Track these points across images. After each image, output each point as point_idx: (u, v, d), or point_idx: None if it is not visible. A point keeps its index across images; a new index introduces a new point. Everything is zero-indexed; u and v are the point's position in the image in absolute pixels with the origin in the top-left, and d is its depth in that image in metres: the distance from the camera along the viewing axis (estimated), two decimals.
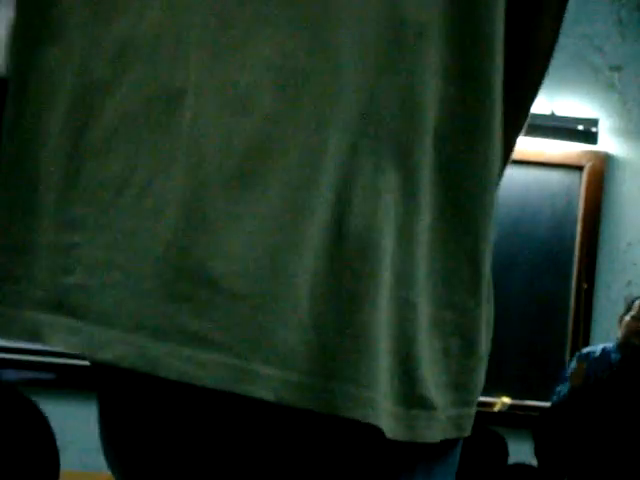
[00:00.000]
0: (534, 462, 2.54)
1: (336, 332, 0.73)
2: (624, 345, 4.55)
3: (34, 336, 0.79)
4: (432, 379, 0.81)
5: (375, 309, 0.75)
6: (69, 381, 4.66)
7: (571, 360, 4.74)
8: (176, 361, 0.72)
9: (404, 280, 0.77)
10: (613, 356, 4.56)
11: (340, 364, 0.73)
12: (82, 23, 0.78)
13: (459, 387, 0.84)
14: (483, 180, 0.83)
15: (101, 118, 0.76)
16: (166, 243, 0.74)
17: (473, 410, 0.85)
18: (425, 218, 0.79)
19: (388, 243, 0.76)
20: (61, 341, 0.77)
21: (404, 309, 0.78)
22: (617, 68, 5.05)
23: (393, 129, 0.76)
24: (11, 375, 4.73)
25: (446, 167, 0.79)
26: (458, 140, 0.80)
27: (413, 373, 0.79)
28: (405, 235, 0.77)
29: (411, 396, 0.79)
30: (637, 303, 4.56)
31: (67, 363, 4.63)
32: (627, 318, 4.56)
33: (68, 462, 4.41)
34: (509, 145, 1.01)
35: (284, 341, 0.72)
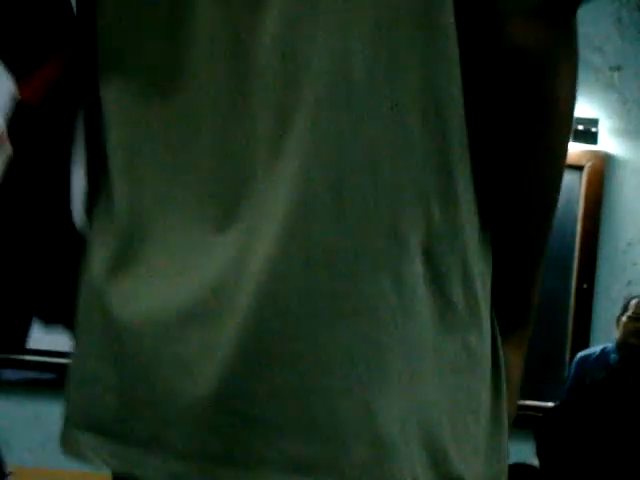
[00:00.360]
0: (534, 462, 2.53)
1: (362, 444, 0.84)
2: (622, 345, 4.54)
3: (80, 457, 0.97)
4: (460, 454, 0.91)
5: (396, 418, 0.86)
6: None
7: (571, 362, 4.74)
8: None
9: (418, 379, 0.88)
10: (612, 357, 4.55)
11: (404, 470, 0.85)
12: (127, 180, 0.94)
13: (485, 451, 0.95)
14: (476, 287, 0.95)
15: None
16: (217, 383, 0.85)
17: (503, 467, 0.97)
18: (424, 324, 0.89)
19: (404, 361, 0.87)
20: (106, 464, 0.92)
21: (425, 409, 0.88)
22: (617, 68, 5.06)
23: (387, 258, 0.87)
24: (11, 375, 4.73)
25: (437, 281, 0.90)
26: (445, 255, 0.90)
27: (442, 457, 0.89)
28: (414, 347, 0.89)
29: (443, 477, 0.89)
30: (633, 303, 4.56)
31: (67, 363, 4.62)
32: (624, 319, 4.55)
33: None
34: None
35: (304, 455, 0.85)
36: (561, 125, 0.97)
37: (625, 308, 4.59)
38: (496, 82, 0.93)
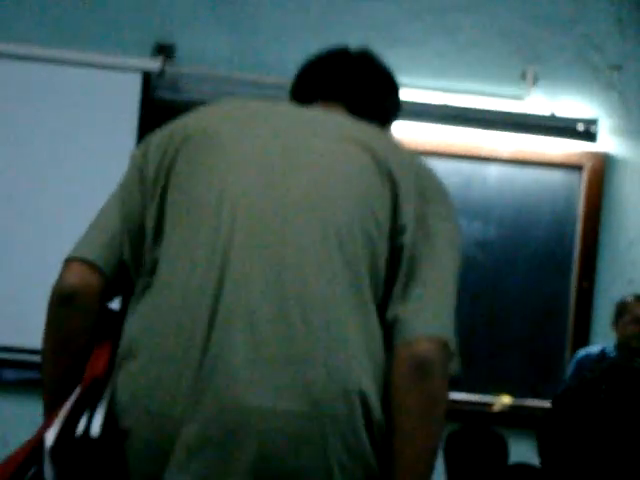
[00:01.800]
0: (534, 462, 2.53)
1: None
2: (623, 347, 4.51)
3: None
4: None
5: None
6: None
7: (570, 362, 4.73)
8: None
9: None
10: (611, 357, 4.53)
11: None
12: None
13: None
14: None
15: None
16: None
17: None
18: None
19: None
20: None
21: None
22: (617, 67, 5.05)
23: None
24: (11, 375, 4.72)
25: None
26: None
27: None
28: None
29: None
30: (632, 305, 4.50)
31: None
32: (624, 321, 4.50)
33: None
34: None
35: None
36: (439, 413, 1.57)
37: (622, 310, 4.54)
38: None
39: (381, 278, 1.60)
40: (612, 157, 5.04)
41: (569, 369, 4.67)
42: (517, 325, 4.99)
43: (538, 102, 4.97)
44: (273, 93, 4.84)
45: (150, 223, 1.67)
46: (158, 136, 1.73)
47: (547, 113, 4.96)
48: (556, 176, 5.02)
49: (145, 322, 1.59)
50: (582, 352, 4.65)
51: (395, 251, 1.60)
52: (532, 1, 5.00)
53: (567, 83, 5.03)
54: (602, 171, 5.00)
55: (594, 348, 4.66)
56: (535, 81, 4.99)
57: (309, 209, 1.59)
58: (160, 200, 1.67)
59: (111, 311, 1.72)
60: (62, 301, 1.65)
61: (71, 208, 4.63)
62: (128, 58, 4.75)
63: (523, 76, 4.98)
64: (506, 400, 4.90)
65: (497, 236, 4.98)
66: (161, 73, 4.75)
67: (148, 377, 1.54)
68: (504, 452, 3.08)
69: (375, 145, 1.67)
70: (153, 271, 1.64)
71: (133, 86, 4.71)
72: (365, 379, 1.52)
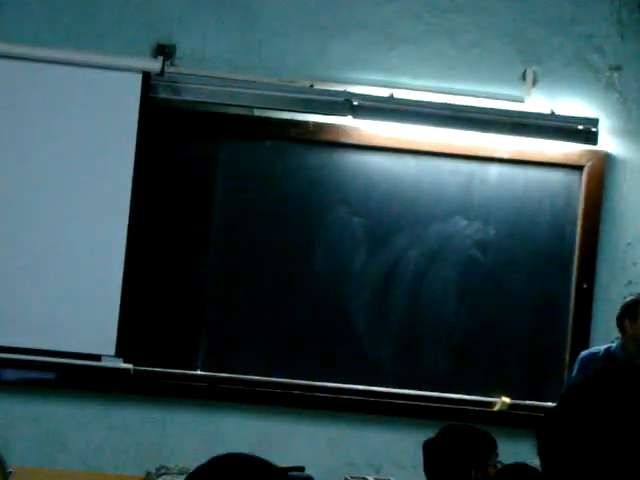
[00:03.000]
0: (534, 462, 2.53)
1: None
2: (633, 346, 4.46)
3: None
4: None
5: None
6: (69, 381, 4.66)
7: (572, 362, 4.72)
8: None
9: None
10: (619, 356, 4.49)
11: None
12: None
13: None
14: None
15: None
16: None
17: None
18: None
19: None
20: None
21: None
22: (617, 68, 5.05)
23: None
24: (11, 375, 4.73)
25: None
26: None
27: None
28: None
29: None
30: None
31: (67, 363, 4.62)
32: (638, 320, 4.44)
33: (68, 462, 4.41)
34: None
35: None
36: None
37: (632, 309, 4.46)
38: None
39: None
40: (612, 157, 5.04)
41: (573, 371, 4.64)
42: (517, 325, 4.99)
43: (538, 102, 4.98)
44: (273, 93, 4.84)
45: None
46: None
47: (547, 113, 4.96)
48: (556, 176, 5.02)
49: None
50: (584, 353, 4.63)
51: None
52: (532, 2, 5.01)
53: (567, 84, 5.03)
54: (602, 171, 5.01)
55: (598, 348, 4.62)
56: (535, 82, 5.00)
57: None
58: None
59: None
60: None
61: (71, 207, 4.64)
62: (128, 58, 4.76)
63: (523, 77, 4.98)
64: (506, 400, 4.90)
65: (497, 236, 4.98)
66: (161, 73, 4.76)
67: None
68: (491, 445, 3.02)
69: None
70: None
71: (133, 86, 4.72)
72: None
